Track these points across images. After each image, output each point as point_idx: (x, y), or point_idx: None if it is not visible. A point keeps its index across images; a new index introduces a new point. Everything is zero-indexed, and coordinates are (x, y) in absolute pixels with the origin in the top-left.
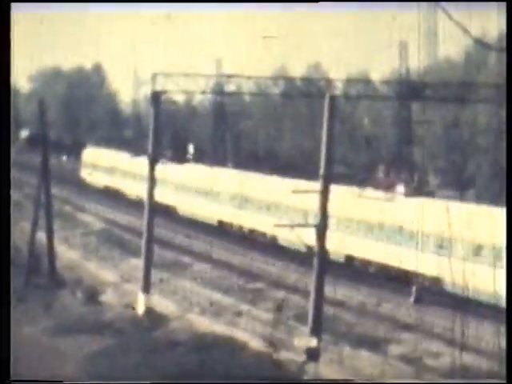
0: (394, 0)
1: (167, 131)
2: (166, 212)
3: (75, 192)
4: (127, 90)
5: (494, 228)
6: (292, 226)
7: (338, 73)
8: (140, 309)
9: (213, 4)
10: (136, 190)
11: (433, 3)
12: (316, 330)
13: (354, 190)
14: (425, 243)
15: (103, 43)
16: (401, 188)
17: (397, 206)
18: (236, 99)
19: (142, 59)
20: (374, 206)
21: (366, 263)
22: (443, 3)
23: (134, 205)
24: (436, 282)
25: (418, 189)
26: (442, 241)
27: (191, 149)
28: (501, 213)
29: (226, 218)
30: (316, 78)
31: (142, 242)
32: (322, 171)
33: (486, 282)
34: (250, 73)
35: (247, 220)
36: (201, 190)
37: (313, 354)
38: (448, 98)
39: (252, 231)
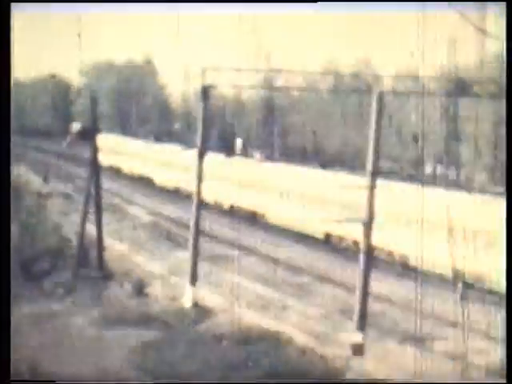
0: (399, 0)
1: (216, 125)
2: (211, 204)
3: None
4: (177, 84)
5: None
6: (339, 221)
7: (386, 69)
8: (187, 302)
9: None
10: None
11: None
12: (361, 326)
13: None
14: None
15: (154, 38)
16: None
17: None
18: (285, 94)
19: (192, 53)
20: None
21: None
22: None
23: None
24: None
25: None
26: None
27: (239, 143)
28: None
29: (273, 212)
30: (365, 73)
31: (190, 235)
32: (369, 166)
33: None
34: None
35: (294, 214)
36: (247, 183)
37: (358, 350)
38: (496, 95)
39: (298, 225)
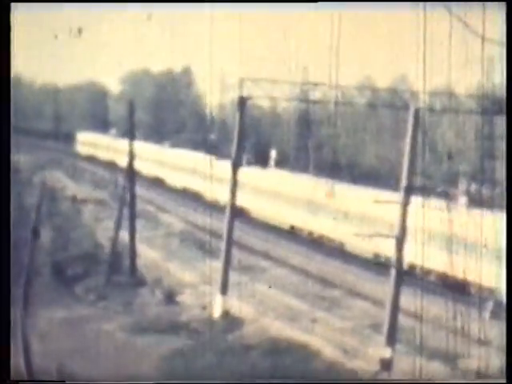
0: (405, 0)
1: (251, 136)
2: (242, 215)
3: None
4: (214, 93)
5: None
6: (371, 236)
7: (423, 85)
8: (217, 311)
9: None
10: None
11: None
12: (391, 341)
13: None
14: None
15: (192, 46)
16: None
17: None
18: (320, 107)
19: (230, 63)
20: None
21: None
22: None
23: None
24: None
25: None
26: None
27: (274, 154)
28: None
29: (304, 225)
30: (401, 89)
31: (222, 245)
32: (403, 183)
33: None
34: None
35: (325, 228)
36: (281, 195)
37: (386, 365)
38: None
39: (330, 239)
